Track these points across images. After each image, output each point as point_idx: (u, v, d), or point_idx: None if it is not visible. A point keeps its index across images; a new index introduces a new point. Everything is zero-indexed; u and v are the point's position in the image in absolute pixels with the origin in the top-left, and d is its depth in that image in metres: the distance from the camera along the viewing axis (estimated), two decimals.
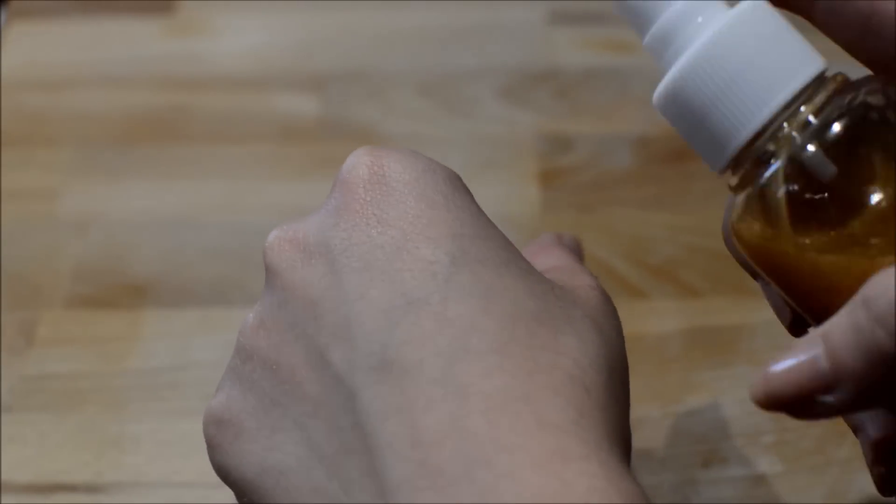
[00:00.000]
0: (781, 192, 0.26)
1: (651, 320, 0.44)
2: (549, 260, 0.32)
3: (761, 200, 0.26)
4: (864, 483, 0.39)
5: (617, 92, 0.55)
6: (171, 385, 0.43)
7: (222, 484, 0.40)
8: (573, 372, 0.24)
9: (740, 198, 0.27)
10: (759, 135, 0.26)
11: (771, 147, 0.26)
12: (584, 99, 0.54)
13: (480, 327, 0.24)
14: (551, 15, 0.59)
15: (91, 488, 0.40)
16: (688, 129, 0.27)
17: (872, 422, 0.29)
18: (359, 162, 0.28)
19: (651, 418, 0.41)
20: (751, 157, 0.26)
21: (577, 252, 0.35)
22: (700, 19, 0.27)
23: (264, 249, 0.28)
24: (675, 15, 0.28)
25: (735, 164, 0.27)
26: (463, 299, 0.25)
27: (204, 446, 0.41)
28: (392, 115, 0.53)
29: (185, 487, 0.40)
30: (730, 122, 0.26)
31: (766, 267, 0.27)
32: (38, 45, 0.58)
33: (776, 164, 0.26)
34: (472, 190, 0.49)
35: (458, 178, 0.29)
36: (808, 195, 0.25)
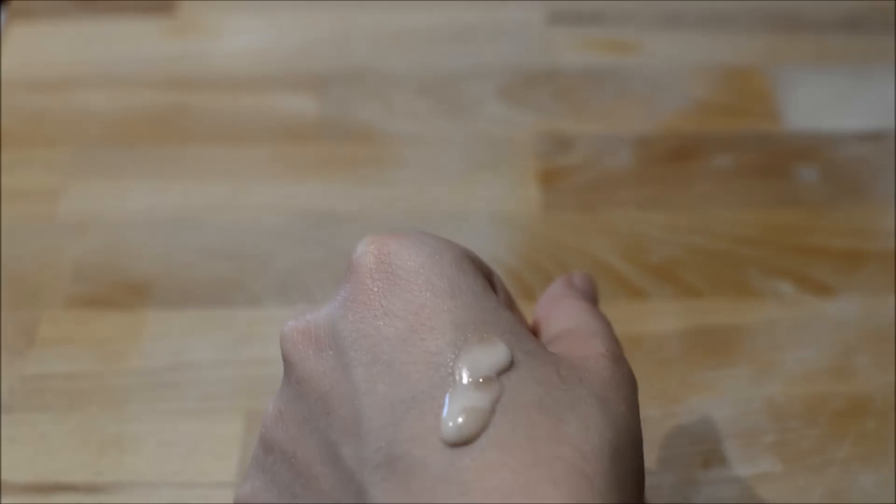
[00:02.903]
0: None
1: (651, 320, 0.44)
2: (560, 320, 0.32)
3: None
4: (865, 483, 0.39)
5: (617, 92, 0.55)
6: (171, 385, 0.43)
7: (222, 484, 0.40)
8: (574, 461, 0.25)
9: None
10: None
11: None
12: (584, 99, 0.54)
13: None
14: (551, 15, 0.59)
15: (91, 488, 0.40)
16: None
17: None
18: (366, 251, 0.29)
19: (651, 418, 0.41)
20: None
21: (591, 292, 0.35)
22: None
23: (280, 339, 0.29)
24: None
25: None
26: (463, 395, 0.25)
27: (203, 446, 0.41)
28: (392, 115, 0.53)
29: (185, 487, 0.40)
30: None
31: None
32: (38, 45, 0.58)
33: None
34: (472, 190, 0.49)
35: (466, 258, 0.29)
36: None
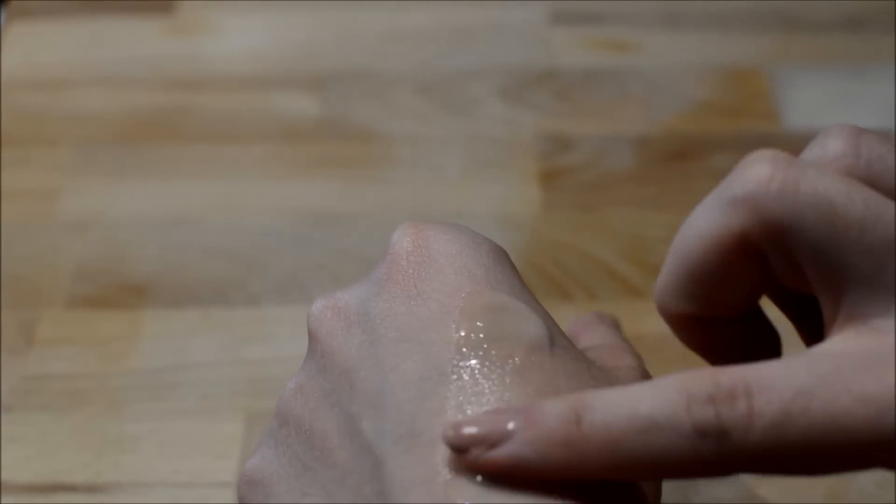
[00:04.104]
0: None
1: (651, 320, 0.44)
2: (593, 338, 0.32)
3: None
4: (864, 483, 0.39)
5: (617, 92, 0.55)
6: (171, 385, 0.43)
7: (222, 484, 0.40)
8: None
9: None
10: None
11: None
12: (584, 99, 0.54)
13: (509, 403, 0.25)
14: (551, 15, 0.59)
15: (91, 488, 0.40)
16: None
17: None
18: (404, 234, 0.29)
19: None
20: None
21: (617, 330, 0.35)
22: None
23: (308, 316, 0.29)
24: None
25: None
26: (493, 374, 0.25)
27: (203, 446, 0.41)
28: (392, 115, 0.53)
29: (185, 487, 0.40)
30: None
31: None
32: (38, 45, 0.58)
33: None
34: (471, 190, 0.50)
35: (503, 253, 0.29)
36: None
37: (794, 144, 0.53)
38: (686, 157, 0.51)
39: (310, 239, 0.48)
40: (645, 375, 0.29)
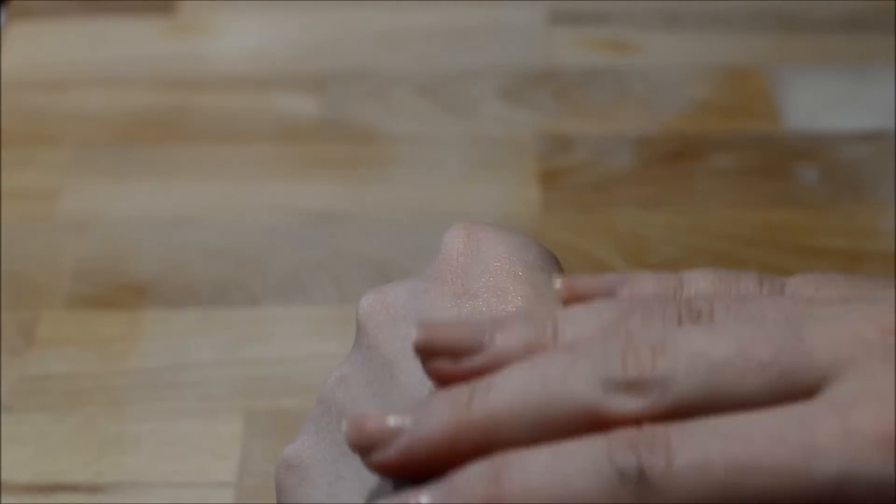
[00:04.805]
0: None
1: None
2: None
3: None
4: None
5: (617, 92, 0.55)
6: (171, 385, 0.43)
7: (222, 484, 0.40)
8: None
9: None
10: None
11: None
12: (584, 99, 0.54)
13: None
14: (551, 15, 0.59)
15: (91, 488, 0.40)
16: None
17: None
18: (455, 235, 0.29)
19: None
20: None
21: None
22: None
23: (357, 308, 0.29)
24: None
25: None
26: None
27: (203, 446, 0.41)
28: (392, 115, 0.53)
29: (185, 487, 0.40)
30: None
31: None
32: (38, 45, 0.58)
33: None
34: (472, 190, 0.50)
35: (552, 258, 0.29)
36: None
37: (793, 144, 0.53)
38: (686, 157, 0.51)
39: (310, 239, 0.48)
40: None
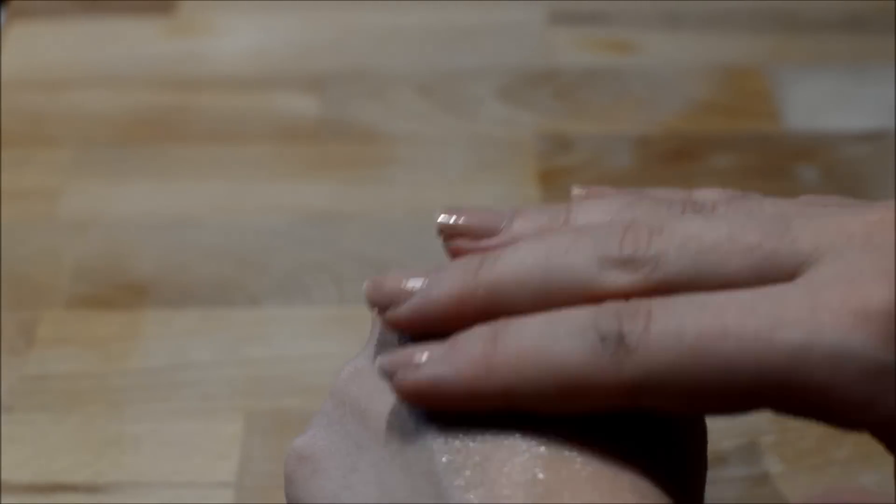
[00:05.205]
0: None
1: None
2: None
3: None
4: (865, 483, 0.39)
5: (617, 92, 0.55)
6: (171, 385, 0.43)
7: (222, 484, 0.40)
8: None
9: None
10: None
11: None
12: (584, 99, 0.54)
13: None
14: (551, 15, 0.59)
15: (91, 488, 0.40)
16: None
17: None
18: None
19: None
20: None
21: None
22: None
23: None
24: None
25: None
26: None
27: (203, 446, 0.41)
28: (392, 115, 0.53)
29: (185, 487, 0.40)
30: None
31: None
32: (38, 45, 0.58)
33: None
34: (472, 190, 0.49)
35: None
36: None
37: (793, 144, 0.53)
38: (686, 157, 0.51)
39: (310, 239, 0.48)
40: None
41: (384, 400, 0.27)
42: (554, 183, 0.50)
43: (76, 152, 0.52)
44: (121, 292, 0.46)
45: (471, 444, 0.24)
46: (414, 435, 0.25)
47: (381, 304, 0.26)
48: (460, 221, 0.27)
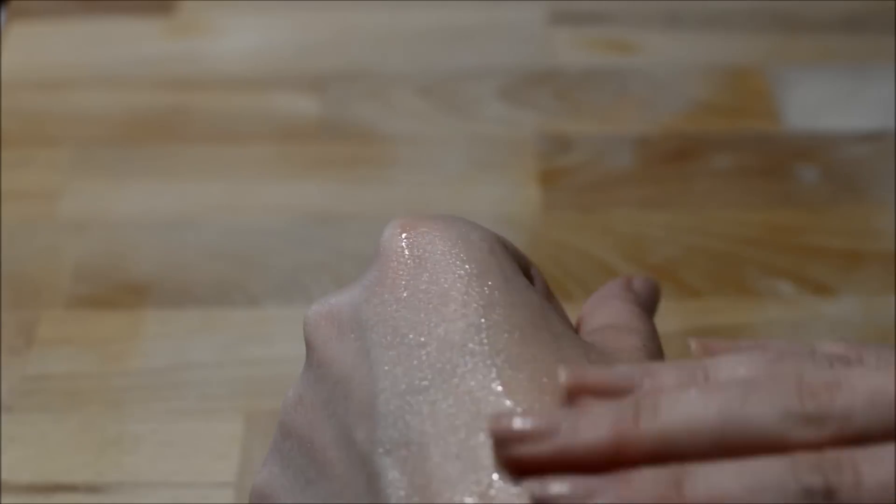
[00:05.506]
0: None
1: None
2: (603, 316, 0.31)
3: None
4: None
5: (617, 92, 0.55)
6: (171, 385, 0.43)
7: (222, 484, 0.40)
8: None
9: None
10: None
11: None
12: (584, 99, 0.54)
13: (496, 402, 0.24)
14: (551, 15, 0.59)
15: (91, 488, 0.40)
16: None
17: None
18: (393, 234, 0.28)
19: None
20: None
21: (648, 299, 0.34)
22: None
23: (304, 324, 0.29)
24: None
25: None
26: (484, 374, 0.25)
27: (203, 446, 0.41)
28: (392, 115, 0.53)
29: (185, 487, 0.40)
30: None
31: None
32: (38, 45, 0.58)
33: None
34: (471, 190, 0.49)
35: (496, 242, 0.29)
36: None
37: (793, 144, 0.53)
38: (686, 157, 0.51)
39: (310, 239, 0.48)
40: (651, 355, 0.28)
41: (326, 428, 0.26)
42: (554, 183, 0.50)
43: (76, 152, 0.52)
44: (121, 292, 0.46)
45: (418, 470, 0.24)
46: (359, 464, 0.25)
47: (508, 442, 0.23)
48: (587, 381, 0.24)
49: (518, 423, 0.23)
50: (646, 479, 0.22)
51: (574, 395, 0.24)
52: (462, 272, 0.27)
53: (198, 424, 0.41)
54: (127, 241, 0.48)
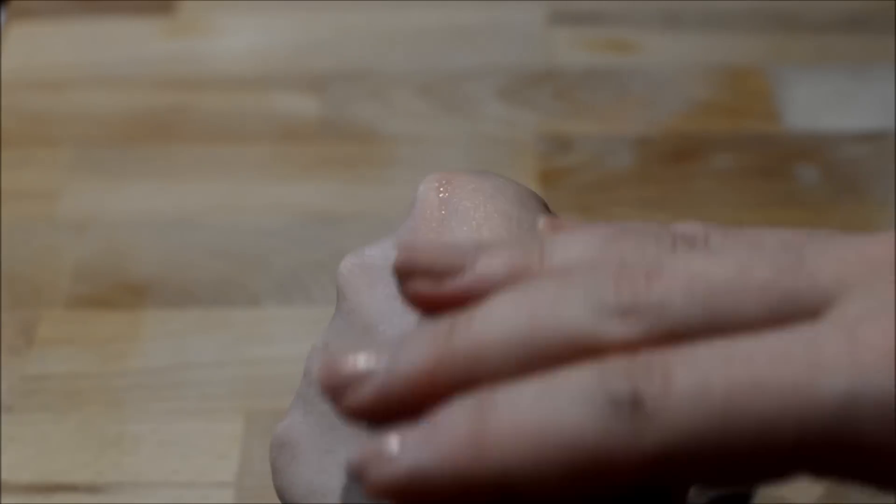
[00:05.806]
0: None
1: None
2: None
3: None
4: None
5: (617, 92, 0.55)
6: (171, 385, 0.43)
7: (222, 484, 0.40)
8: None
9: None
10: None
11: None
12: (584, 99, 0.54)
13: None
14: (551, 15, 0.59)
15: (91, 488, 0.40)
16: None
17: None
18: (428, 187, 0.28)
19: None
20: None
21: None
22: None
23: (337, 274, 0.29)
24: None
25: None
26: None
27: (203, 446, 0.41)
28: (392, 115, 0.53)
29: (185, 487, 0.40)
30: None
31: None
32: (38, 45, 0.58)
33: None
34: None
35: (530, 195, 0.29)
36: None
37: (793, 144, 0.53)
38: (686, 157, 0.51)
39: (310, 239, 0.48)
40: None
41: None
42: (554, 183, 0.50)
43: (76, 152, 0.52)
44: (121, 292, 0.46)
45: None
46: None
47: (337, 391, 0.22)
48: (418, 257, 0.23)
49: (346, 366, 0.22)
50: (453, 416, 0.20)
51: (406, 278, 0.23)
52: (495, 223, 0.27)
53: (198, 424, 0.41)
54: (127, 241, 0.48)
